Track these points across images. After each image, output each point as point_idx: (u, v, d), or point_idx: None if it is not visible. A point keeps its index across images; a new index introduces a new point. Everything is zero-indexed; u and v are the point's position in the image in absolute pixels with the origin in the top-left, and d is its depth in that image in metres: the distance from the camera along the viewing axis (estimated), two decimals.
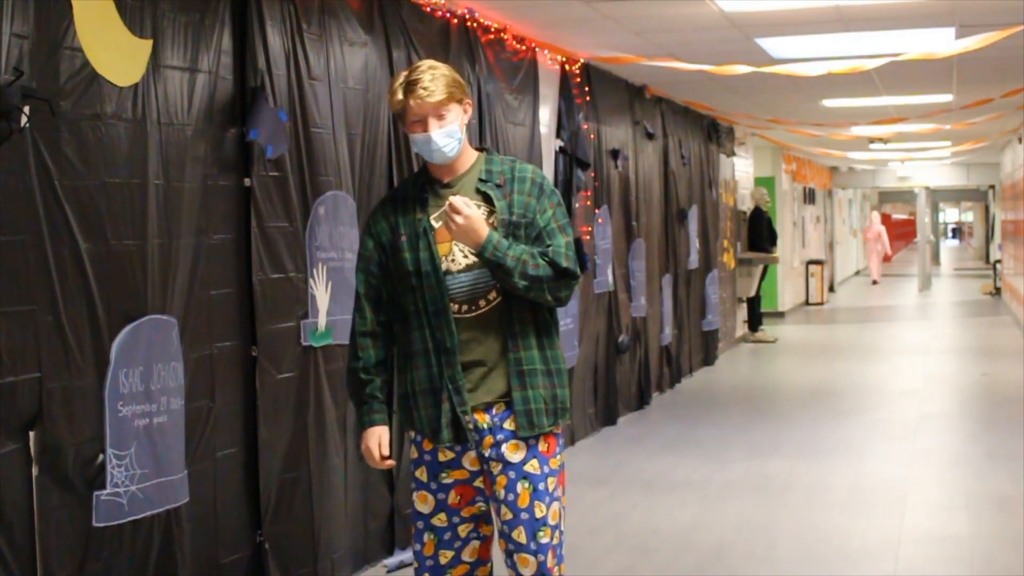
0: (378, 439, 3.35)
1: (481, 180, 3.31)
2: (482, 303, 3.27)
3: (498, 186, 3.30)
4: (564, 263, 3.25)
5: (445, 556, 3.36)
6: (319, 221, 4.86)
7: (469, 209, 3.17)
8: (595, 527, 5.95)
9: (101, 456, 3.61)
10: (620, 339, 9.01)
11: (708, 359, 12.34)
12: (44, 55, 3.42)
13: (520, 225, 3.27)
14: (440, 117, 3.23)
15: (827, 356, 13.54)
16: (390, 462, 3.39)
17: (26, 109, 3.29)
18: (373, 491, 5.31)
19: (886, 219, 29.46)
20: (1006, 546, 5.55)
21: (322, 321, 4.87)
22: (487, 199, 3.28)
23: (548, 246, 3.26)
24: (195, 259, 4.15)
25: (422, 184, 3.35)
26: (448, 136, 3.24)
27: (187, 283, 4.09)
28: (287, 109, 4.65)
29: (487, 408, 3.28)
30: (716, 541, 5.75)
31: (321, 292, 4.87)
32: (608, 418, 8.85)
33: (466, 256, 3.26)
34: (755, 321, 15.03)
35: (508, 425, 3.29)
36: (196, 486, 4.09)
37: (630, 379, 9.43)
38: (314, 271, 4.84)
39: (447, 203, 3.18)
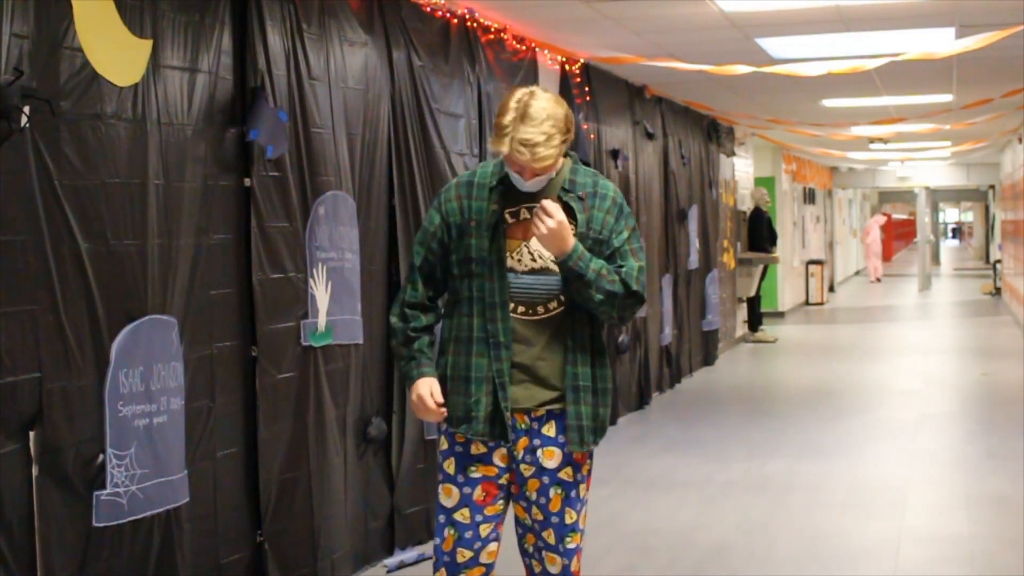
0: (429, 388, 3.29)
1: (564, 190, 3.28)
2: (541, 310, 3.26)
3: (580, 199, 3.27)
4: (635, 286, 3.26)
5: (463, 555, 3.34)
6: (319, 221, 4.86)
7: (560, 215, 3.15)
8: (595, 527, 5.91)
9: (101, 456, 3.61)
10: (620, 339, 9.02)
11: (708, 359, 12.34)
12: (44, 55, 3.42)
13: (597, 242, 3.26)
14: (543, 171, 3.22)
15: (827, 356, 13.54)
16: (443, 411, 3.31)
17: (26, 109, 3.29)
18: (373, 491, 5.31)
19: (888, 219, 29.44)
20: (1006, 546, 5.55)
21: (322, 321, 4.87)
22: (567, 208, 3.25)
23: (620, 267, 3.25)
24: (195, 259, 4.15)
25: (503, 176, 3.29)
26: (542, 181, 3.23)
27: (187, 283, 4.09)
28: (287, 109, 4.65)
29: (527, 411, 3.28)
30: (716, 541, 5.75)
31: (321, 292, 4.87)
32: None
33: (533, 259, 3.25)
34: (755, 321, 15.04)
35: (547, 431, 3.29)
36: (196, 486, 4.09)
37: (630, 379, 9.43)
38: (314, 271, 4.84)
39: (539, 204, 3.16)
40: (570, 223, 3.22)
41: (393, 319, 3.40)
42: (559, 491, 3.31)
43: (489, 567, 3.40)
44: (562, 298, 3.25)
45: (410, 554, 5.39)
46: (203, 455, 4.20)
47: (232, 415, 4.41)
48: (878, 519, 6.09)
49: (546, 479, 3.30)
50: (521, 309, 3.25)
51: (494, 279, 3.23)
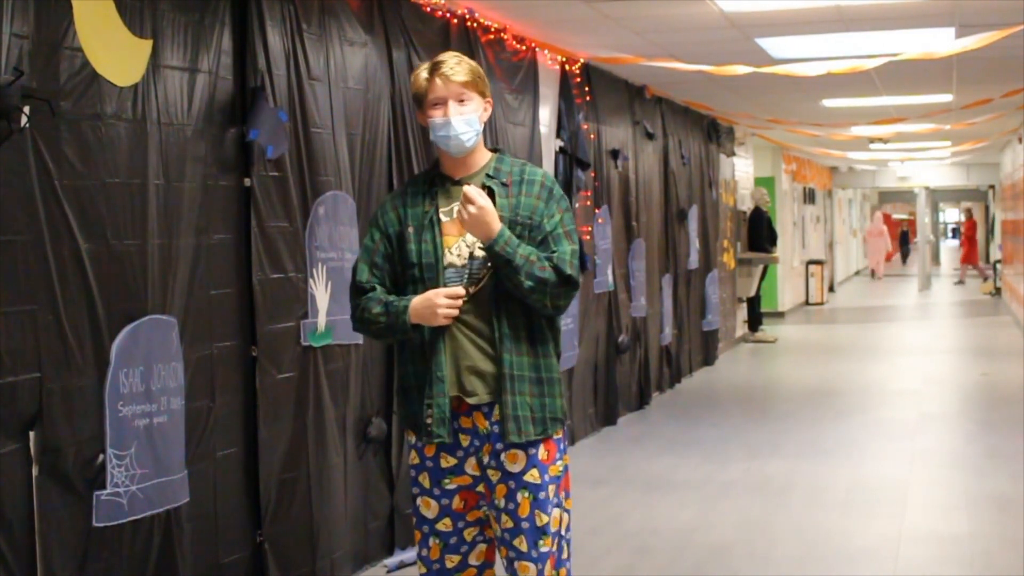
0: (429, 291, 3.21)
1: (488, 176, 3.31)
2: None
3: (504, 185, 3.29)
4: (568, 270, 3.22)
5: (451, 560, 3.34)
6: (319, 221, 4.86)
7: (483, 200, 3.16)
8: (595, 527, 5.94)
9: (101, 456, 3.61)
10: (620, 339, 9.01)
11: (708, 359, 12.34)
12: (44, 55, 3.42)
13: (525, 227, 3.25)
14: (461, 101, 3.24)
15: (827, 356, 13.54)
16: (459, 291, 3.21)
17: (26, 109, 3.29)
18: (373, 491, 5.31)
19: (886, 219, 29.44)
20: (1006, 546, 5.55)
21: (322, 321, 4.87)
22: (491, 195, 3.27)
23: (553, 251, 3.23)
24: (195, 259, 4.15)
25: (432, 179, 3.36)
26: (467, 124, 3.24)
27: (187, 283, 4.09)
28: (287, 109, 4.65)
29: (487, 414, 3.25)
30: (716, 541, 5.75)
31: (321, 292, 4.87)
32: (608, 418, 8.85)
33: (472, 251, 3.24)
34: (755, 321, 15.03)
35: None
36: (196, 486, 4.09)
37: (630, 379, 9.43)
38: (314, 271, 4.84)
39: (463, 191, 3.17)
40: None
41: (355, 316, 3.36)
42: (527, 495, 3.23)
43: (481, 567, 3.37)
44: (484, 281, 3.21)
45: (410, 554, 5.39)
46: (203, 455, 4.20)
47: (232, 415, 4.41)
48: (878, 519, 6.09)
49: (512, 483, 3.24)
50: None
51: (434, 278, 3.23)
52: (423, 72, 3.28)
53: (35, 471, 3.41)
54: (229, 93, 4.37)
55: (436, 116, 3.25)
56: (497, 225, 3.17)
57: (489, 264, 3.21)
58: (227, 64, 4.36)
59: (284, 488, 4.64)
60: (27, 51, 3.33)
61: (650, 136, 10.00)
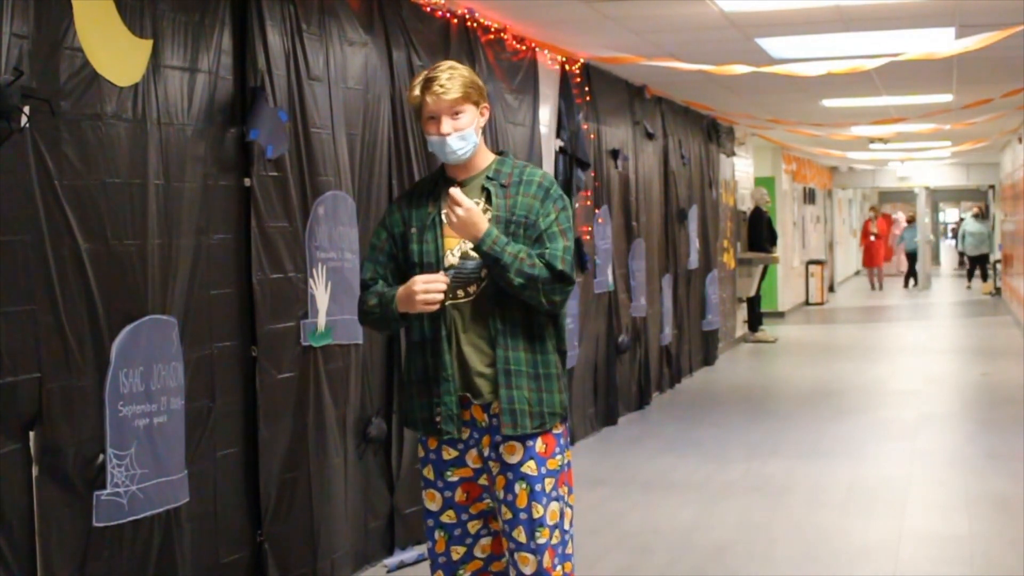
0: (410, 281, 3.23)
1: (488, 178, 3.35)
2: (460, 293, 3.29)
3: (503, 186, 3.34)
4: (560, 266, 3.26)
5: (457, 552, 3.40)
6: (319, 221, 4.86)
7: (467, 202, 3.21)
8: (595, 527, 5.94)
9: (101, 456, 3.61)
10: (620, 339, 9.01)
11: (708, 359, 12.34)
12: (44, 55, 3.42)
13: (520, 225, 3.30)
14: (455, 116, 3.27)
15: (827, 356, 13.54)
16: (443, 276, 3.24)
17: (26, 109, 3.30)
18: (373, 491, 5.31)
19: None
20: (1006, 546, 5.55)
21: (322, 321, 4.87)
22: (488, 197, 3.32)
23: (546, 249, 3.27)
24: (195, 259, 4.15)
25: (437, 180, 3.42)
26: (462, 139, 3.29)
27: (187, 283, 4.09)
28: (287, 109, 4.65)
29: (485, 407, 3.30)
30: (716, 541, 5.75)
31: (321, 292, 4.87)
32: (608, 418, 8.85)
33: (467, 252, 3.29)
34: (755, 321, 15.03)
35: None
36: (196, 486, 4.09)
37: (630, 379, 9.43)
38: (314, 271, 4.84)
39: (449, 195, 3.22)
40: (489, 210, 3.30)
41: (358, 309, 3.43)
42: (524, 486, 3.28)
43: (487, 560, 3.42)
44: (483, 281, 3.27)
45: (410, 554, 5.39)
46: (203, 455, 4.20)
47: (232, 415, 4.41)
48: (878, 519, 6.09)
49: (510, 475, 3.29)
50: (449, 296, 3.27)
51: None
52: (416, 88, 3.30)
53: (35, 471, 3.41)
54: (229, 93, 4.37)
55: (432, 133, 3.29)
56: (484, 225, 3.22)
57: (480, 279, 3.27)
58: (227, 64, 4.36)
59: (284, 488, 4.64)
60: (27, 51, 3.33)
61: (650, 136, 10.00)
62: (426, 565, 5.28)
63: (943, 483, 7.02)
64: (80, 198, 3.56)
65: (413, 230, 3.35)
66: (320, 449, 4.86)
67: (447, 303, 3.27)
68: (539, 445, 3.31)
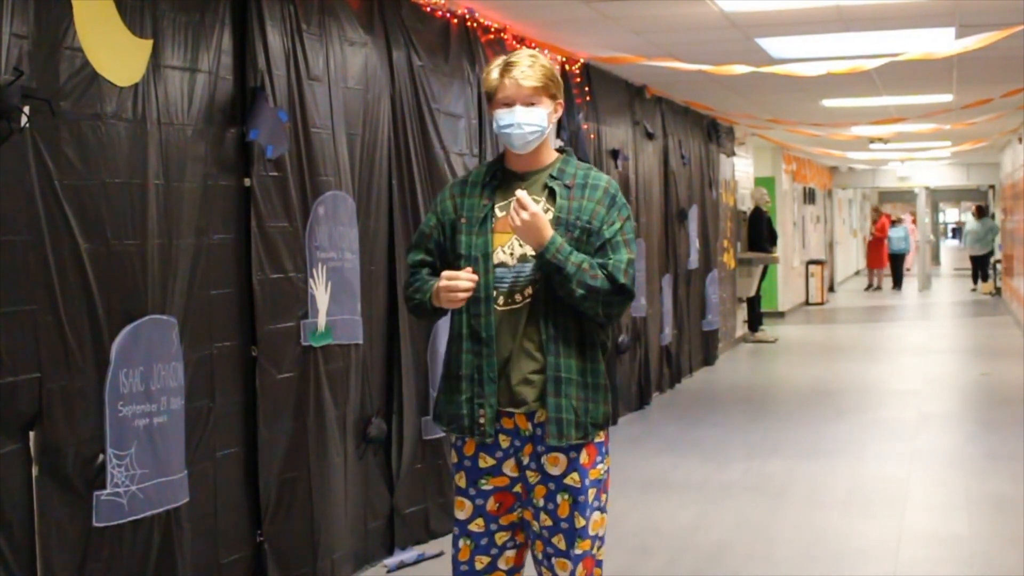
0: (446, 273, 3.20)
1: (552, 176, 3.26)
2: (518, 297, 3.21)
3: (567, 187, 3.24)
4: (622, 279, 3.17)
5: (481, 562, 3.32)
6: (319, 221, 4.86)
7: (535, 207, 3.12)
8: None
9: (101, 456, 3.61)
10: (620, 339, 9.01)
11: (708, 359, 12.34)
12: (44, 55, 3.42)
13: (584, 231, 3.20)
14: (530, 105, 3.19)
15: (827, 356, 13.54)
16: (472, 275, 3.19)
17: (26, 109, 3.29)
18: (373, 491, 5.31)
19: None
20: (1006, 546, 5.56)
21: (322, 321, 4.87)
22: (552, 196, 3.23)
23: (609, 259, 3.18)
24: (195, 259, 4.15)
25: (495, 172, 3.32)
26: (532, 122, 3.19)
27: (187, 283, 4.09)
28: (287, 109, 4.65)
29: (529, 415, 3.22)
30: (716, 541, 5.75)
31: (321, 292, 4.87)
32: None
33: (523, 249, 3.20)
34: (755, 321, 15.03)
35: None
36: (196, 486, 4.09)
37: (630, 379, 9.43)
38: (314, 271, 4.83)
39: (516, 196, 3.13)
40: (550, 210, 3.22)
41: (405, 293, 3.40)
42: (566, 497, 3.21)
43: (509, 572, 3.35)
44: (536, 285, 3.19)
45: (410, 554, 5.39)
46: (203, 455, 4.20)
47: (232, 415, 4.41)
48: (878, 519, 6.09)
49: (552, 486, 3.22)
50: (502, 300, 3.21)
51: (481, 273, 3.20)
52: (494, 70, 3.22)
53: (35, 471, 3.41)
54: (229, 93, 4.37)
55: (503, 118, 3.20)
56: (549, 232, 3.13)
57: (540, 269, 3.18)
58: (227, 64, 4.36)
59: (284, 488, 4.64)
60: (27, 51, 3.33)
61: (650, 136, 10.00)
62: (426, 565, 5.33)
63: (943, 483, 7.02)
64: (80, 198, 3.56)
65: (463, 220, 3.26)
66: (320, 449, 4.86)
67: (499, 307, 3.19)
68: (583, 456, 3.23)
